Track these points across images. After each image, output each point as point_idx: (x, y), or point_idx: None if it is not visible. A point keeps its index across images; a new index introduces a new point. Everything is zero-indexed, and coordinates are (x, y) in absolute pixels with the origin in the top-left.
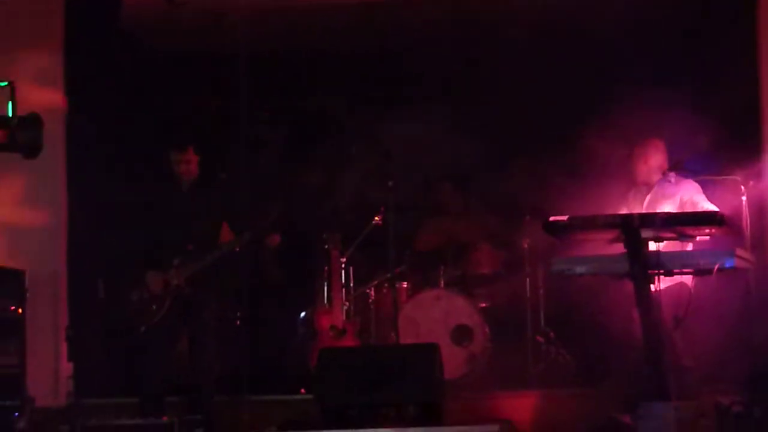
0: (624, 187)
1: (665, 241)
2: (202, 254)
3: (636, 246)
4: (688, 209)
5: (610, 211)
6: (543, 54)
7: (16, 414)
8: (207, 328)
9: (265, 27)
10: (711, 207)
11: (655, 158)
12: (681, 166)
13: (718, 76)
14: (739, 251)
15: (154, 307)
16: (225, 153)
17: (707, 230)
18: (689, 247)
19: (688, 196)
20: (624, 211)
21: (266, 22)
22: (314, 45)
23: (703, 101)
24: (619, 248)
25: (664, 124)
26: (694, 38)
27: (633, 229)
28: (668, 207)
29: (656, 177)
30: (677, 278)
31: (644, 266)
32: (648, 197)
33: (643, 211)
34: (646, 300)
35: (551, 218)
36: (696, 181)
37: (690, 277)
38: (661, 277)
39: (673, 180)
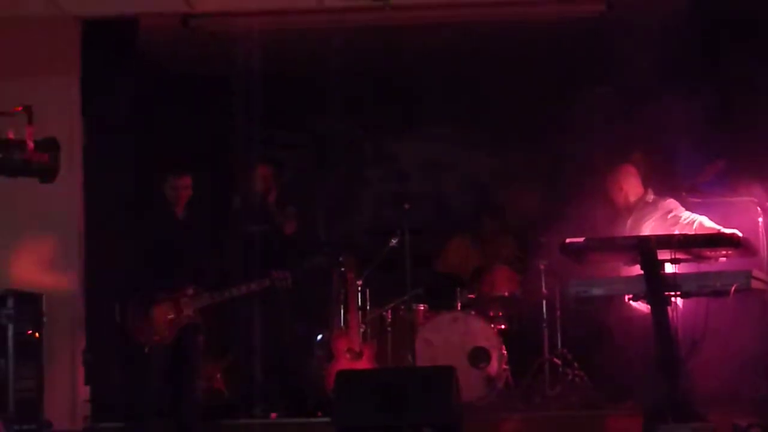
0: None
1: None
2: (219, 289)
3: (653, 267)
4: (671, 222)
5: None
6: (560, 76)
7: None
8: (199, 353)
9: (279, 50)
10: (700, 218)
11: (627, 183)
12: (697, 188)
13: (734, 97)
14: (756, 272)
15: (166, 333)
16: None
17: (724, 252)
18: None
19: (671, 212)
20: None
21: (281, 44)
22: (329, 68)
23: (719, 122)
24: (636, 270)
25: (681, 145)
26: (711, 56)
27: (650, 250)
28: (650, 226)
29: (634, 200)
30: (693, 299)
31: (661, 288)
32: (629, 221)
33: (626, 234)
34: (662, 321)
35: (567, 240)
36: (712, 203)
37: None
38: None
39: (651, 200)
